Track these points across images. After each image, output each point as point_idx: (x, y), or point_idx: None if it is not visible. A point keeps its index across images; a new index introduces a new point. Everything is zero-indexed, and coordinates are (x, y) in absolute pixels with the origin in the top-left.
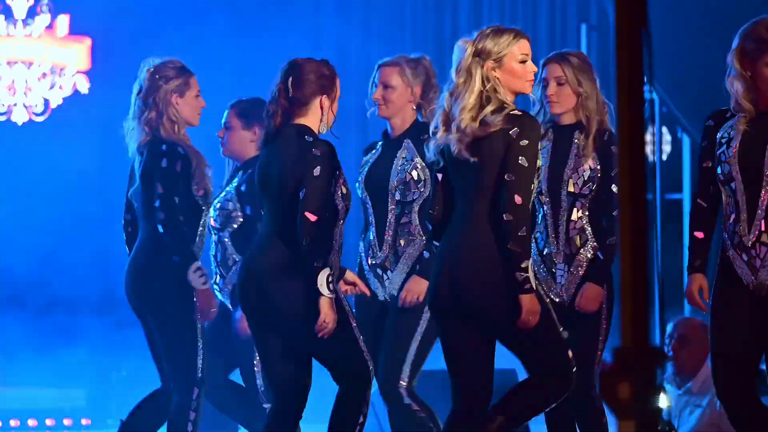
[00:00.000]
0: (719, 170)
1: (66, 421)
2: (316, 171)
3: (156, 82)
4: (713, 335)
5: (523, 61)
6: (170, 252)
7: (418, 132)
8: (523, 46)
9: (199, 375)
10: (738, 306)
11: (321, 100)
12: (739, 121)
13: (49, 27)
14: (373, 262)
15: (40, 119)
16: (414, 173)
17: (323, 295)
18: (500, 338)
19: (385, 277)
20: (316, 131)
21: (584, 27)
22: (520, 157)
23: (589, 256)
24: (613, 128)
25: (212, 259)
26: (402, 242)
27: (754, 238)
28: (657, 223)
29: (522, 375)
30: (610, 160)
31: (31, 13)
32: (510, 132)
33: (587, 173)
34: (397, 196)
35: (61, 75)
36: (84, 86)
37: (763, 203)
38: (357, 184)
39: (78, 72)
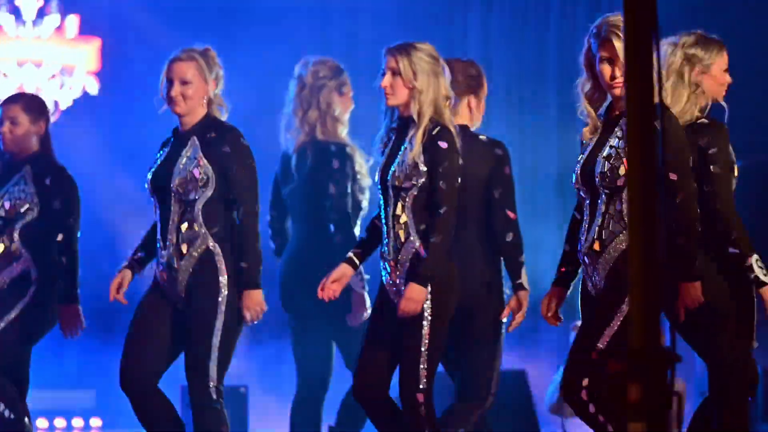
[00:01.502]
0: (573, 179)
1: (76, 422)
2: (506, 170)
3: (318, 81)
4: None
5: (726, 71)
6: (342, 252)
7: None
8: (726, 57)
9: None
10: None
11: (469, 100)
12: (583, 131)
13: (59, 28)
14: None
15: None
16: None
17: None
18: None
19: None
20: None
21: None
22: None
23: (410, 254)
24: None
25: None
26: None
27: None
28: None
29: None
30: (436, 156)
31: (41, 13)
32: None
33: (411, 167)
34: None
35: (70, 76)
36: (94, 87)
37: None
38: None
39: (87, 73)
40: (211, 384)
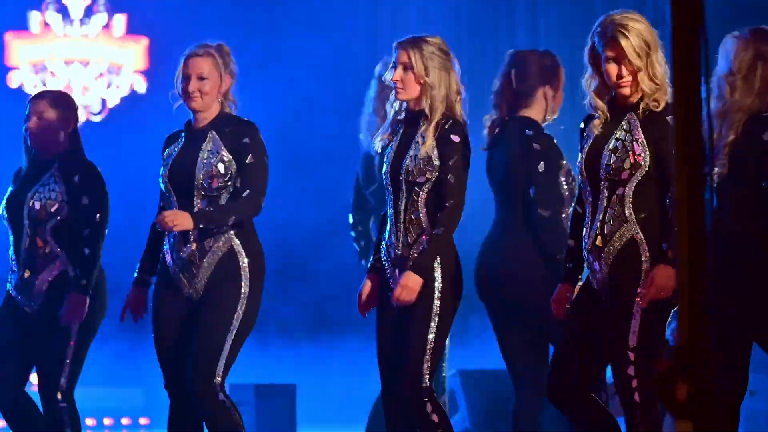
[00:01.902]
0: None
1: (124, 420)
2: (540, 167)
3: None
4: None
5: None
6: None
7: None
8: None
9: None
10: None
11: (544, 91)
12: (594, 123)
13: (106, 26)
14: None
15: (97, 119)
16: None
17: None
18: None
19: None
20: (541, 122)
21: None
22: None
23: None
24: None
25: None
26: None
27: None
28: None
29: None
30: (448, 149)
31: (88, 12)
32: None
33: (424, 162)
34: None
35: (118, 75)
36: (141, 86)
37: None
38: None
39: (135, 72)
40: (217, 380)
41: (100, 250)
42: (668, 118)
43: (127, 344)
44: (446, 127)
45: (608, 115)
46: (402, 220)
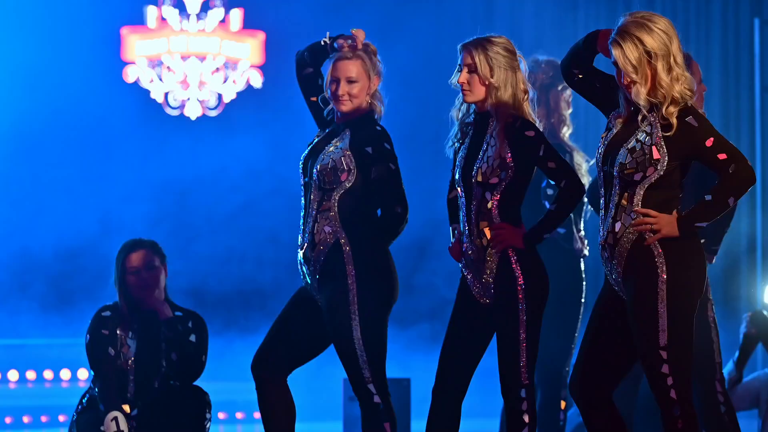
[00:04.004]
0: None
1: (238, 415)
2: None
3: (547, 81)
4: None
5: None
6: (546, 251)
7: None
8: None
9: None
10: None
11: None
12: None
13: (223, 21)
14: None
15: (213, 113)
16: None
17: None
18: None
19: None
20: None
21: (757, 21)
22: None
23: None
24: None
25: None
26: None
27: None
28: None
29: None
30: (527, 144)
31: (205, 7)
32: None
33: (497, 162)
34: None
35: (234, 69)
36: (258, 81)
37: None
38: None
39: (251, 66)
40: (366, 377)
41: None
42: (688, 119)
43: (240, 337)
44: (517, 125)
45: (629, 112)
46: (476, 222)
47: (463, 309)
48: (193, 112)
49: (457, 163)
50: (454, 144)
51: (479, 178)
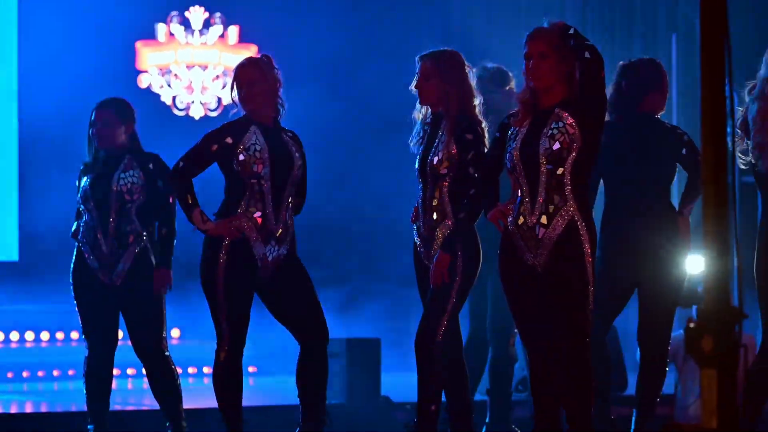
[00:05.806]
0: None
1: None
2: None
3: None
4: None
5: None
6: None
7: None
8: None
9: None
10: None
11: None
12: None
13: (222, 36)
14: None
15: (213, 114)
16: None
17: None
18: None
19: None
20: None
21: (674, 36)
22: None
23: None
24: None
25: None
26: None
27: None
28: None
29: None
30: (466, 145)
31: (207, 24)
32: None
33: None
34: None
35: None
36: None
37: None
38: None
39: None
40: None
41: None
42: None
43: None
44: (463, 126)
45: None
46: (429, 206)
47: (421, 272)
48: (196, 113)
49: (418, 156)
50: (417, 141)
51: (432, 170)
